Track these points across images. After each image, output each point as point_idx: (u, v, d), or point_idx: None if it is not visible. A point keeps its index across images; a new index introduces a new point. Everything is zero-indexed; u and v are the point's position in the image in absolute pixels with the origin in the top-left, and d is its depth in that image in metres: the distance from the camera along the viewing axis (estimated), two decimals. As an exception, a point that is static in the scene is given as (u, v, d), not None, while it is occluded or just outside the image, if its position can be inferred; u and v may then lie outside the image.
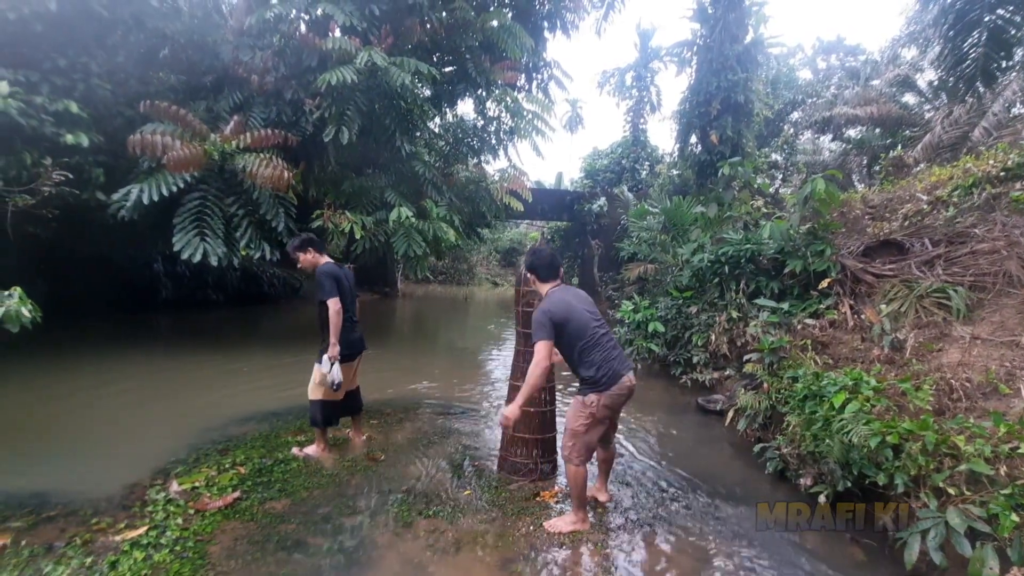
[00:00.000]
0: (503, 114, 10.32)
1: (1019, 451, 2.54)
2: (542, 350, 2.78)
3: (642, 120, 19.62)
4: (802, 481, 3.44)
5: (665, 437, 4.74)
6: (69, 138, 6.02)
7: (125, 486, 3.38)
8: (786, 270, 5.57)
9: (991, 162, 5.62)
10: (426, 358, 8.85)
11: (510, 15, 9.66)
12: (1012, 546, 2.18)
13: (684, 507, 3.38)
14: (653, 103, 19.52)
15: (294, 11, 8.03)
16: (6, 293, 3.29)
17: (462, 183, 10.06)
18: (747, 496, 3.53)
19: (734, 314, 5.79)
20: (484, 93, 9.96)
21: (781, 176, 14.78)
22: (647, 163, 18.56)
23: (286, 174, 6.81)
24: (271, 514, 3.07)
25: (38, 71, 6.22)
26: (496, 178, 10.45)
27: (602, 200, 15.92)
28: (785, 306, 5.20)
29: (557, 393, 3.93)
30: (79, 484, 3.38)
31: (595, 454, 3.30)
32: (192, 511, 3.05)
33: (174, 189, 6.56)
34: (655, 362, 7.00)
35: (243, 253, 7.13)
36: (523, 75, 10.81)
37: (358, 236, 7.66)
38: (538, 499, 3.35)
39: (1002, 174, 5.34)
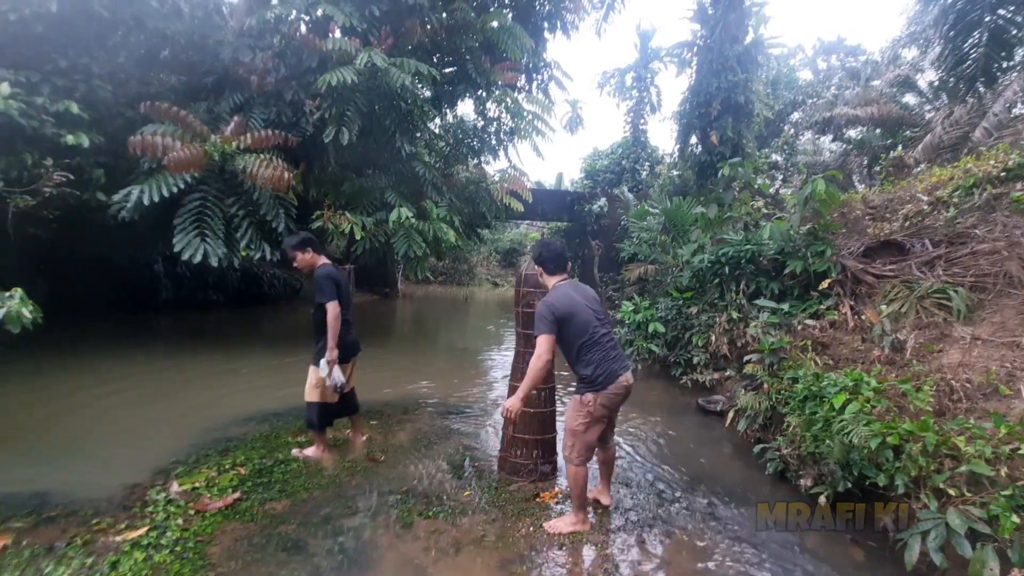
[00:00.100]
0: (503, 115, 10.34)
1: (1020, 452, 2.54)
2: (544, 344, 2.79)
3: (642, 121, 19.59)
4: (802, 482, 3.44)
5: (665, 438, 4.73)
6: (70, 139, 6.03)
7: (126, 486, 3.39)
8: (786, 271, 5.57)
9: (992, 162, 5.61)
10: (426, 359, 8.85)
11: (510, 16, 9.67)
12: (1012, 547, 2.18)
13: (684, 508, 3.38)
14: (653, 104, 19.50)
15: (294, 12, 8.04)
16: (7, 294, 3.30)
17: (462, 184, 10.06)
18: (747, 497, 3.53)
19: (734, 315, 5.79)
20: (484, 94, 9.97)
21: (781, 177, 14.77)
22: (647, 164, 18.54)
23: (286, 175, 6.82)
24: (271, 515, 3.07)
25: (39, 72, 6.23)
26: (496, 179, 10.45)
27: (602, 201, 15.91)
28: (785, 307, 5.20)
29: (556, 394, 3.93)
30: (80, 484, 3.39)
31: (597, 456, 3.31)
32: (192, 512, 3.05)
33: (174, 190, 6.57)
34: (655, 363, 7.00)
35: (243, 254, 7.13)
36: (523, 76, 10.81)
37: (358, 237, 7.66)
38: (538, 500, 3.35)
39: (1003, 175, 5.34)
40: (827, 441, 3.22)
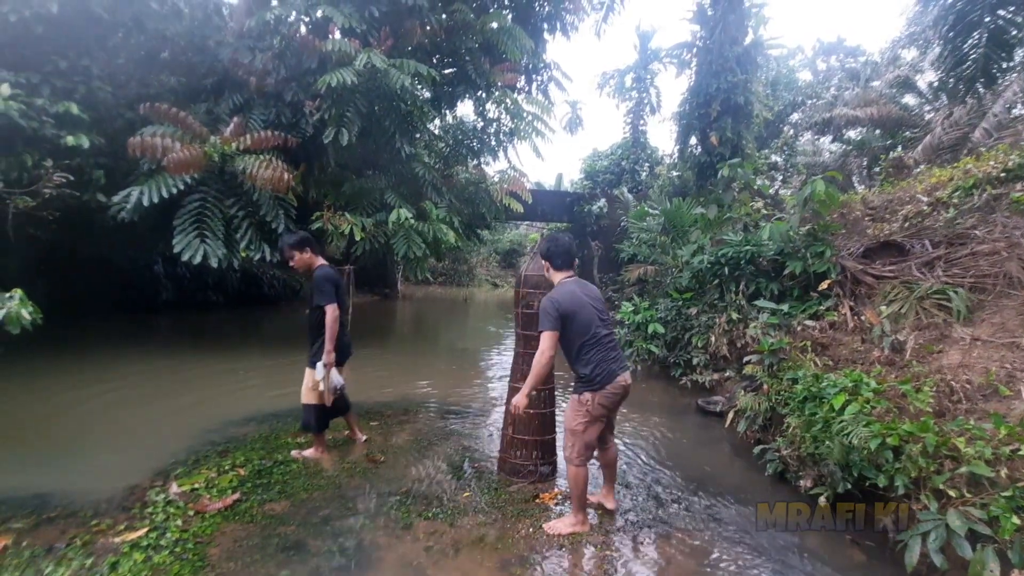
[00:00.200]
0: (503, 116, 10.33)
1: (1020, 453, 2.54)
2: (547, 340, 2.80)
3: (642, 121, 19.61)
4: (802, 483, 3.44)
5: (665, 439, 4.73)
6: (70, 140, 6.03)
7: (125, 487, 3.39)
8: (786, 271, 5.57)
9: (991, 163, 5.61)
10: (426, 360, 8.85)
11: (510, 17, 9.68)
12: (1013, 548, 2.18)
13: (684, 509, 3.38)
14: (653, 104, 19.52)
15: (294, 13, 8.05)
16: (7, 295, 3.29)
17: (462, 184, 10.06)
18: (747, 498, 3.53)
19: (734, 315, 5.78)
20: (484, 95, 9.97)
21: (781, 177, 14.75)
22: (647, 164, 18.54)
23: (286, 176, 6.82)
24: (271, 516, 3.07)
25: (39, 73, 6.24)
26: (496, 179, 10.45)
27: (602, 201, 15.92)
28: (785, 307, 5.20)
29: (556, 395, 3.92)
30: (79, 485, 3.38)
31: (597, 458, 3.31)
32: (192, 513, 3.05)
33: (174, 191, 6.57)
34: (655, 363, 7.00)
35: (243, 255, 7.13)
36: (523, 77, 10.81)
37: (358, 238, 7.66)
38: (537, 501, 3.35)
39: (1002, 175, 5.34)
40: (827, 442, 3.22)
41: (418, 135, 9.78)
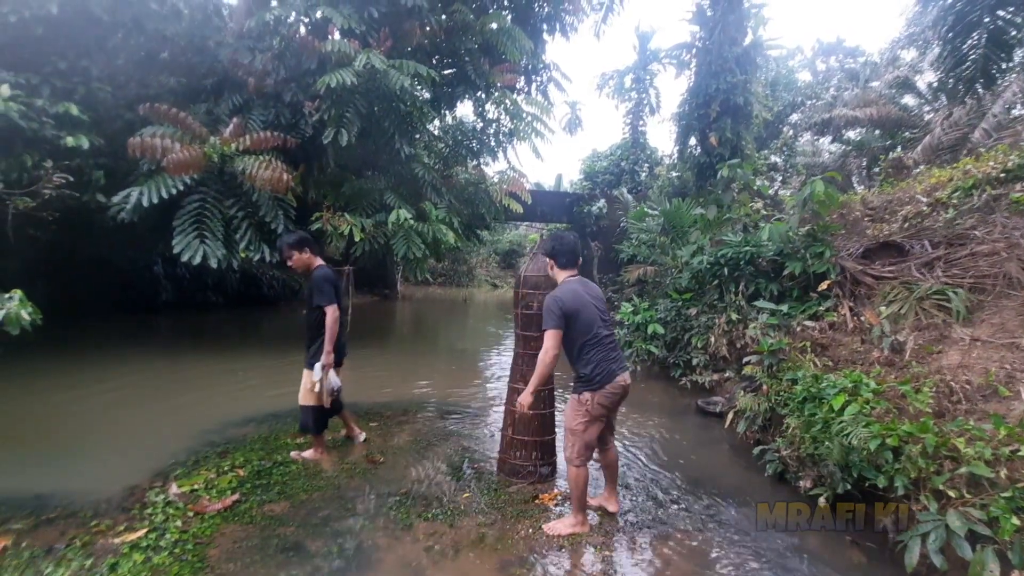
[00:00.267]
0: (502, 116, 10.33)
1: (1019, 454, 2.54)
2: (552, 338, 2.81)
3: (641, 122, 19.63)
4: (802, 483, 3.44)
5: (664, 439, 4.73)
6: (69, 140, 6.04)
7: (124, 488, 3.39)
8: (785, 272, 5.57)
9: (991, 164, 5.61)
10: (425, 360, 8.85)
11: (509, 18, 9.68)
12: (1013, 549, 2.18)
13: (683, 510, 3.38)
14: (652, 105, 19.54)
15: (293, 14, 8.05)
16: (6, 296, 3.29)
17: (461, 185, 10.06)
18: (747, 499, 3.53)
19: (733, 316, 5.78)
20: (483, 95, 9.98)
21: (780, 178, 14.76)
22: (646, 165, 18.56)
23: (285, 176, 6.82)
24: (270, 517, 3.07)
25: (39, 74, 6.24)
26: (495, 180, 10.47)
27: (601, 202, 15.93)
28: (784, 308, 5.19)
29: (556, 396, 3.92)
30: (79, 486, 3.38)
31: (598, 460, 3.31)
32: (191, 513, 3.05)
33: (174, 191, 6.57)
34: (654, 364, 7.00)
35: (242, 255, 7.13)
36: (522, 77, 10.82)
37: (357, 238, 7.66)
38: (537, 502, 3.35)
39: (1002, 175, 5.33)
40: (826, 443, 3.22)
41: (418, 136, 9.79)
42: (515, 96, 10.03)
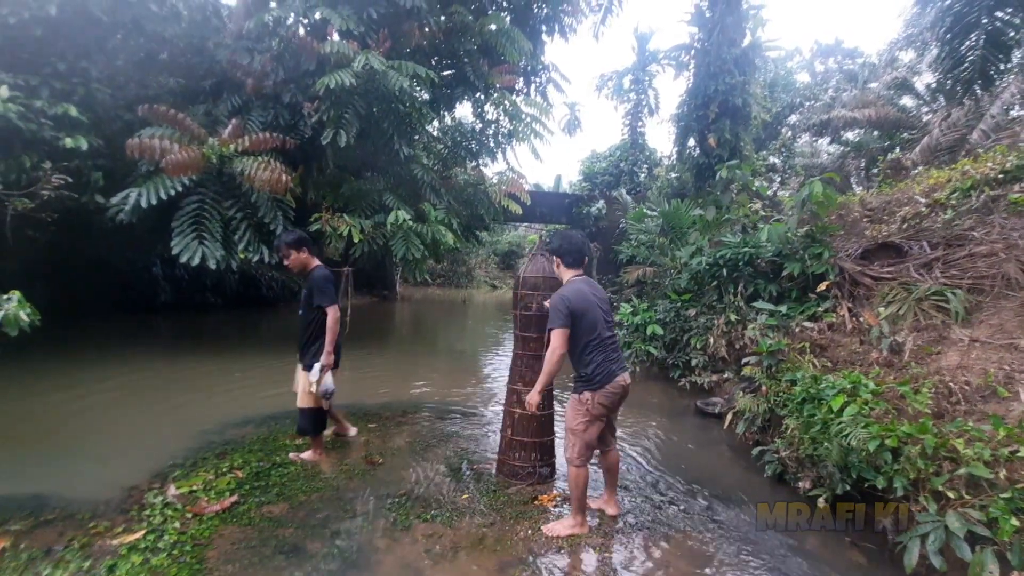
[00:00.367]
0: (501, 117, 10.36)
1: (1018, 455, 2.54)
2: (558, 337, 2.82)
3: (640, 123, 19.64)
4: (801, 484, 3.44)
5: (663, 440, 4.73)
6: (68, 142, 6.03)
7: (123, 489, 3.38)
8: (784, 273, 5.58)
9: (989, 164, 5.63)
10: (425, 361, 8.84)
11: (508, 19, 9.69)
12: (1012, 550, 2.18)
13: (682, 511, 3.37)
14: (651, 106, 19.55)
15: (292, 15, 8.05)
16: (5, 297, 3.28)
17: (460, 186, 10.06)
18: (746, 499, 3.53)
19: (732, 317, 5.79)
20: (482, 96, 9.99)
21: (779, 179, 14.77)
22: (645, 166, 18.58)
23: (284, 177, 6.81)
24: (269, 518, 3.06)
25: (38, 75, 6.23)
26: (494, 181, 10.46)
27: (600, 203, 15.94)
28: (783, 309, 5.20)
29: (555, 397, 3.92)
30: (77, 487, 3.38)
31: (598, 462, 3.31)
32: (190, 515, 3.04)
33: (172, 193, 6.55)
34: (653, 365, 7.00)
35: (241, 256, 7.12)
36: (521, 78, 10.84)
37: (356, 239, 7.65)
38: (536, 503, 3.35)
39: (1000, 176, 5.35)
40: (825, 443, 3.22)
41: (417, 137, 9.79)
42: (514, 97, 10.05)
